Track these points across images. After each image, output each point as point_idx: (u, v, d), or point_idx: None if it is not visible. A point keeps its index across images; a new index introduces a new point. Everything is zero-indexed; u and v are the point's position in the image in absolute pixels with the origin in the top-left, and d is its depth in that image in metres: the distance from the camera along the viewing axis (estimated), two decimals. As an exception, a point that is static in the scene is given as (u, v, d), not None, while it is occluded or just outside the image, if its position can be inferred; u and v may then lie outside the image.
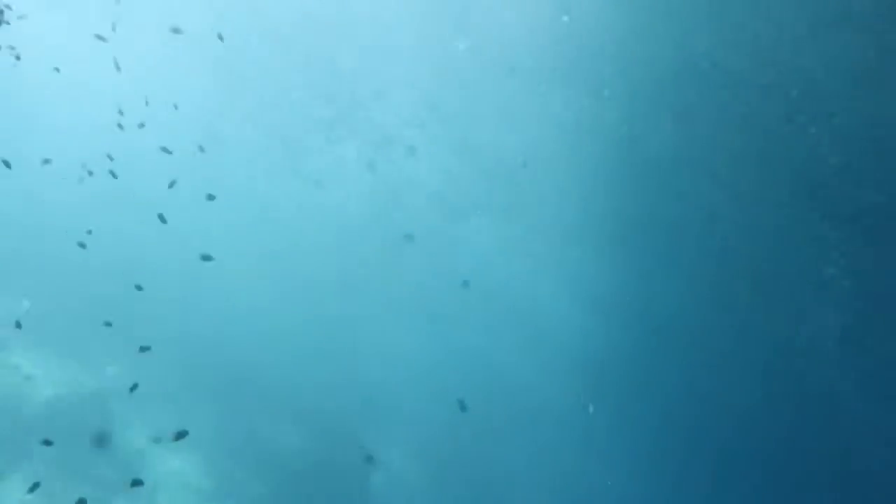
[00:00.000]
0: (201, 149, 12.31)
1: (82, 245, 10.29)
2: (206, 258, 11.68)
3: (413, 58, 23.99)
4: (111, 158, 11.62)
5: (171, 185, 13.27)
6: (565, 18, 17.42)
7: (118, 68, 11.72)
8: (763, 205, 21.40)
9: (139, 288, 11.23)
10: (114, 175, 10.85)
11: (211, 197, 12.75)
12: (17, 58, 6.89)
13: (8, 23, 6.23)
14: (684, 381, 31.75)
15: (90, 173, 11.08)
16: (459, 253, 33.59)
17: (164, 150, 11.29)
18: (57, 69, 12.82)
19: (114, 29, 12.53)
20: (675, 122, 20.12)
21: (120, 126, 12.24)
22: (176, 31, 16.21)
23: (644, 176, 23.36)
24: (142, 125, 12.93)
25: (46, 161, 10.57)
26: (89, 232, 12.04)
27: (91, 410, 24.06)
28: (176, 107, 13.87)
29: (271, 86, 26.82)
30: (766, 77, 16.79)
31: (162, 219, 10.04)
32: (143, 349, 10.92)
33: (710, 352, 29.72)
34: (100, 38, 11.93)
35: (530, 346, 37.70)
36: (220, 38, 17.46)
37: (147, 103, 13.42)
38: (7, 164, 6.94)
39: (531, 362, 38.17)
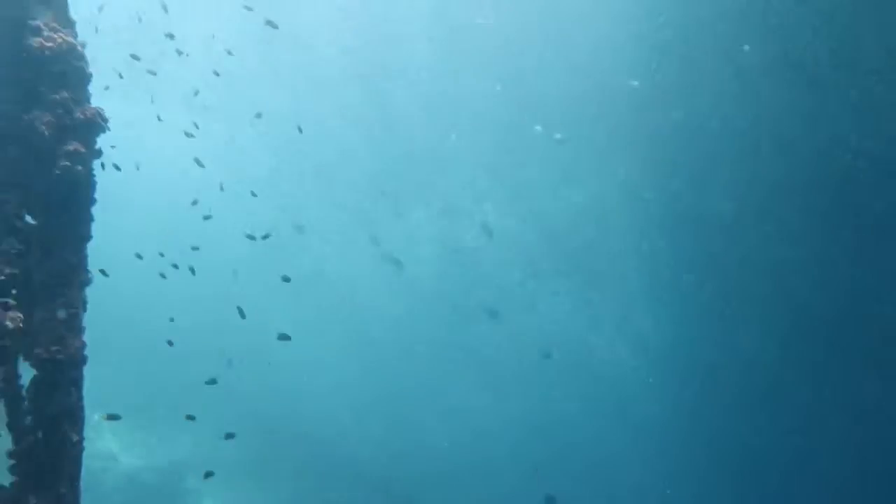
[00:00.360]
0: (265, 236, 12.48)
1: (170, 343, 10.49)
2: (284, 337, 11.73)
3: (482, 131, 24.37)
4: (196, 249, 11.92)
5: (235, 273, 13.51)
6: (635, 83, 17.38)
7: (201, 165, 12.10)
8: (840, 264, 20.59)
9: (213, 381, 11.32)
10: (192, 271, 11.12)
11: (286, 279, 12.89)
12: (117, 167, 7.20)
13: (109, 129, 6.42)
14: (766, 448, 30.23)
15: (176, 267, 11.36)
16: (532, 320, 33.21)
17: (250, 237, 11.54)
18: (137, 167, 13.22)
19: (197, 126, 13.08)
20: (746, 183, 19.70)
21: (207, 217, 12.60)
22: (258, 115, 17.00)
23: (717, 237, 22.85)
24: (210, 216, 13.19)
25: (139, 256, 10.93)
26: (171, 320, 12.31)
27: (168, 486, 24.46)
28: (254, 194, 14.26)
29: (344, 162, 27.59)
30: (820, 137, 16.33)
31: (241, 313, 10.12)
32: (229, 436, 10.91)
33: (793, 417, 28.25)
34: (188, 134, 12.48)
35: (604, 411, 36.53)
36: (300, 130, 18.10)
37: (222, 189, 13.80)
38: (104, 273, 7.09)
39: (605, 428, 36.88)
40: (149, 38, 19.32)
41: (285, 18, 19.61)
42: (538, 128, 21.98)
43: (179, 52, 16.11)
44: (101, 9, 13.19)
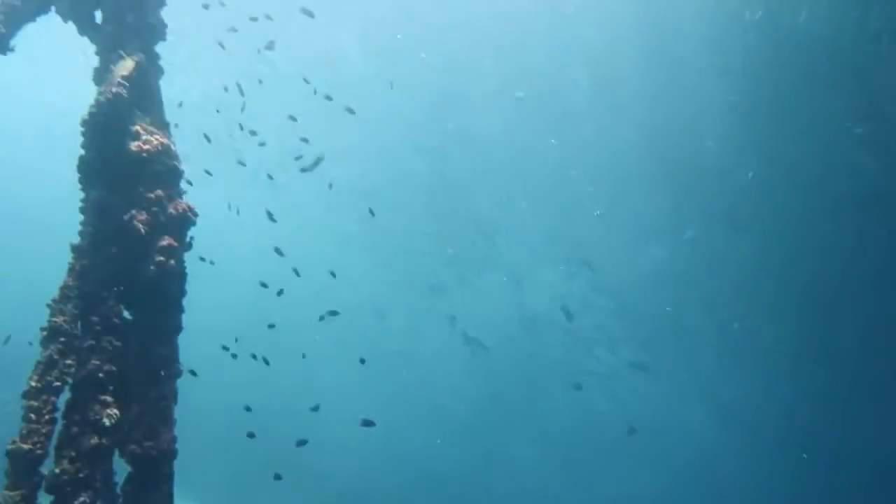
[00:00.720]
0: (324, 317, 12.33)
1: (251, 435, 10.49)
2: (367, 423, 11.54)
3: (548, 198, 24.33)
4: (272, 326, 12.03)
5: (303, 356, 13.40)
6: (710, 144, 17.09)
7: (281, 254, 12.33)
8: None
9: (278, 477, 11.24)
10: (266, 362, 11.15)
11: (362, 361, 12.79)
12: (203, 259, 7.42)
13: (195, 223, 6.54)
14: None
15: (254, 357, 11.44)
16: (608, 391, 32.18)
17: (332, 313, 11.56)
18: (211, 262, 13.28)
19: (272, 217, 13.40)
20: (826, 243, 18.88)
21: (280, 293, 12.73)
22: (330, 186, 17.62)
23: (803, 300, 21.82)
24: (282, 291, 13.25)
25: (225, 348, 11.11)
26: (248, 409, 12.33)
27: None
28: (333, 275, 14.43)
29: (412, 232, 27.88)
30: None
31: (315, 407, 10.04)
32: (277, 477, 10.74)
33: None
34: (271, 218, 12.82)
35: (691, 488, 34.68)
36: (371, 212, 18.44)
37: (298, 274, 13.96)
38: (193, 373, 7.16)
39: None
40: (226, 125, 20.36)
41: (345, 91, 20.13)
42: (598, 213, 22.07)
43: (253, 133, 16.71)
44: (180, 105, 13.92)
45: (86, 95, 6.73)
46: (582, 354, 31.38)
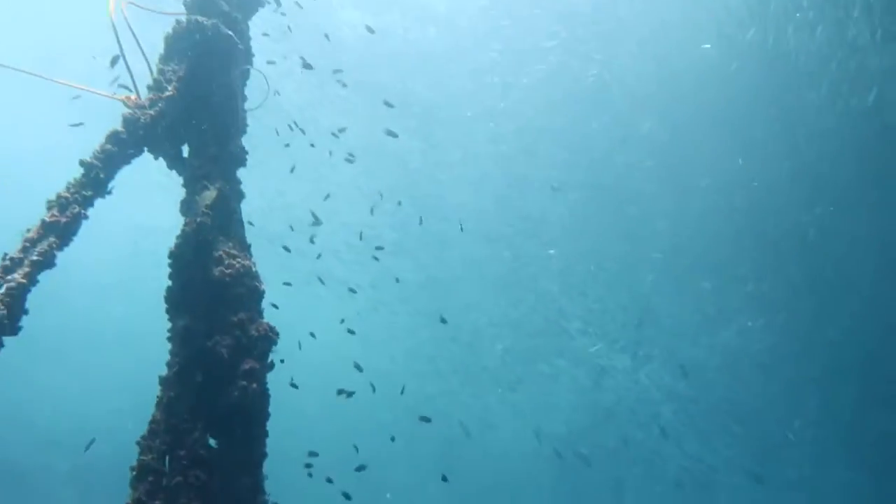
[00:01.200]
0: (394, 439, 11.90)
1: None
2: None
3: (616, 284, 23.80)
4: (357, 449, 11.74)
5: (358, 467, 12.99)
6: (755, 184, 16.60)
7: (360, 370, 12.25)
8: None
9: None
10: (347, 497, 10.84)
11: (445, 479, 12.30)
12: (294, 385, 7.38)
13: (276, 342, 6.46)
14: None
15: (330, 480, 11.16)
16: (693, 482, 30.16)
17: (424, 419, 11.28)
18: (294, 385, 13.12)
19: (345, 324, 13.43)
20: None
21: (350, 394, 12.56)
22: (397, 280, 17.82)
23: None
24: (353, 391, 13.02)
25: (308, 472, 10.90)
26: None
27: None
28: (402, 391, 14.23)
29: (479, 323, 27.49)
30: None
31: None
32: None
33: None
34: (350, 332, 12.83)
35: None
36: (443, 321, 18.40)
37: (374, 389, 13.70)
38: (266, 490, 6.90)
39: None
40: (298, 237, 20.90)
41: (405, 185, 20.21)
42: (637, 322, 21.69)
43: (312, 241, 16.99)
44: (251, 223, 14.50)
45: (169, 215, 6.91)
46: (670, 448, 29.63)
